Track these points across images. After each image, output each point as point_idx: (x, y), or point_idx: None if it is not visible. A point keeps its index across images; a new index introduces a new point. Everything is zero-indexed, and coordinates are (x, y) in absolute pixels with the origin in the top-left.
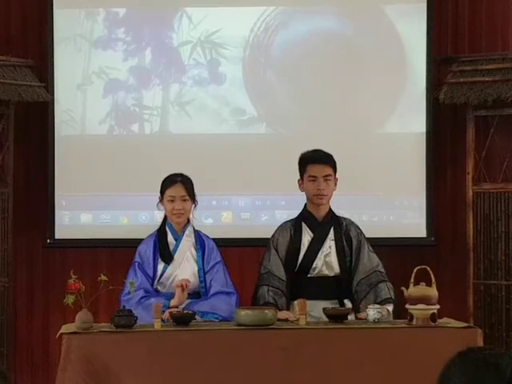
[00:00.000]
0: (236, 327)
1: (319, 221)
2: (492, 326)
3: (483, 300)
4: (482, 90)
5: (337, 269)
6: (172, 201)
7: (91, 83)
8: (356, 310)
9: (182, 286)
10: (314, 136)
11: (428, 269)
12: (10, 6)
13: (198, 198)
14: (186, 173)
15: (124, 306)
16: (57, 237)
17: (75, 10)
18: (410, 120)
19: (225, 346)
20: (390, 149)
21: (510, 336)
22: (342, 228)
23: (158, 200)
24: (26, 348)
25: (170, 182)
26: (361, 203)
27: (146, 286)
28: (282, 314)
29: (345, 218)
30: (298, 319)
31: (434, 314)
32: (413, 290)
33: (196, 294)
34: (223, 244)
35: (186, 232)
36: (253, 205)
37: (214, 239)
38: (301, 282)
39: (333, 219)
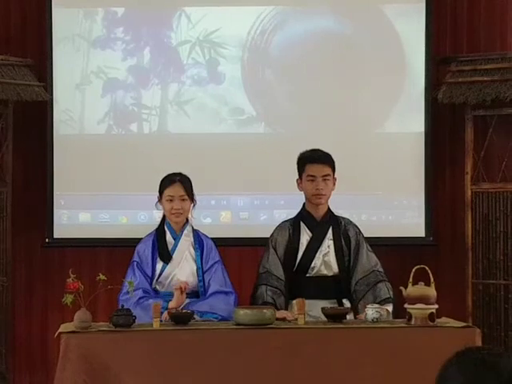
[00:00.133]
0: (234, 327)
1: (318, 220)
2: (491, 326)
3: (482, 299)
4: (480, 89)
5: (335, 268)
6: (171, 200)
7: (90, 83)
8: (355, 309)
9: (180, 288)
10: (312, 135)
11: (427, 268)
12: (9, 6)
13: (196, 197)
14: (184, 172)
15: (123, 306)
16: (55, 236)
17: (74, 10)
18: (408, 120)
19: (223, 346)
20: (388, 148)
21: (509, 336)
22: (341, 227)
23: (157, 199)
24: (24, 347)
25: (168, 181)
26: (360, 203)
27: (145, 286)
28: (281, 314)
29: (343, 218)
30: (296, 319)
31: (432, 313)
32: (411, 290)
33: (195, 294)
34: (222, 243)
35: (185, 231)
36: (251, 204)
37: (212, 239)
38: (299, 282)
39: (331, 219)
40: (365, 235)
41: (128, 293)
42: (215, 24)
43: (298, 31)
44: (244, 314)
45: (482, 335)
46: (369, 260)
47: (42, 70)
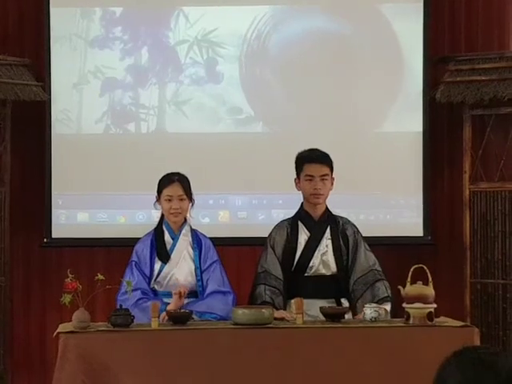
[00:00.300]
0: (233, 326)
1: (316, 220)
2: (489, 325)
3: (480, 299)
4: (478, 88)
5: (333, 268)
6: (169, 200)
7: (88, 82)
8: (353, 308)
9: (180, 292)
10: (310, 135)
11: (425, 268)
12: (7, 5)
13: (194, 197)
14: (182, 172)
15: (121, 306)
16: (53, 236)
17: (72, 9)
18: (406, 119)
19: (222, 345)
20: (386, 148)
21: (507, 335)
22: (339, 227)
23: (155, 199)
24: (22, 347)
25: (167, 181)
26: (358, 202)
27: (143, 286)
28: (279, 313)
29: (341, 217)
30: (294, 318)
31: (430, 312)
32: (410, 289)
33: (193, 293)
34: (220, 243)
35: (183, 231)
36: (250, 204)
37: (210, 238)
38: (298, 281)
39: (329, 218)
40: (363, 235)
41: (126, 293)
42: (213, 23)
43: (296, 31)
44: (242, 313)
45: (480, 334)
46: (367, 259)
47: (40, 69)
